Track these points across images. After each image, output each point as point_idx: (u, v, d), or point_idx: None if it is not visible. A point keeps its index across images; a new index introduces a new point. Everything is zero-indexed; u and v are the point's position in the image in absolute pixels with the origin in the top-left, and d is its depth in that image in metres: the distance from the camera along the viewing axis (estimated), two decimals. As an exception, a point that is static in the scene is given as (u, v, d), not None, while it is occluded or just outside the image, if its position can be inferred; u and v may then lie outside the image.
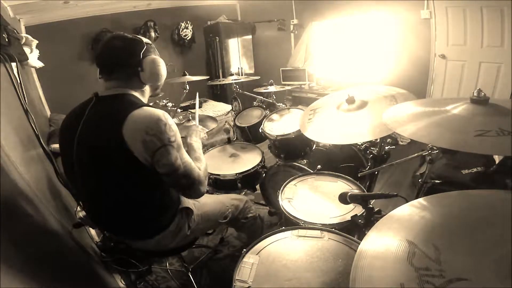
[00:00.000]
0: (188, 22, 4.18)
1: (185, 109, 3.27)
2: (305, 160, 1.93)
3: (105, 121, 0.93)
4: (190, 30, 4.23)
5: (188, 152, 1.12)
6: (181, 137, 1.00)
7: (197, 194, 1.02)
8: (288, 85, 3.73)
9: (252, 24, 4.73)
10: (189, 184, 0.98)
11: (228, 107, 4.00)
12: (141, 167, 0.92)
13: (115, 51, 1.00)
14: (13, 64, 1.15)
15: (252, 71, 4.83)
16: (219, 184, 1.70)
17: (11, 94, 1.05)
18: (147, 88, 1.09)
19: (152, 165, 0.92)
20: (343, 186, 1.36)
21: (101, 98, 0.99)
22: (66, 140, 1.00)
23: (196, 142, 1.26)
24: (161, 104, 2.98)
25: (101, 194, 1.02)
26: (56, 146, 1.93)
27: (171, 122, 0.95)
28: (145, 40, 1.04)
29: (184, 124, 1.93)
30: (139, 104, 0.95)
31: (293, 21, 4.17)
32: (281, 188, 1.37)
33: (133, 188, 0.98)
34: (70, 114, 1.04)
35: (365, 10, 3.40)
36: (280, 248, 0.95)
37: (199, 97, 1.86)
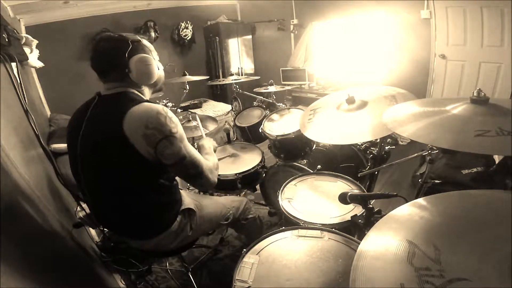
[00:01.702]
0: (188, 22, 4.19)
1: (185, 109, 3.27)
2: (305, 160, 1.93)
3: (106, 118, 0.93)
4: (190, 30, 4.23)
5: (198, 151, 1.13)
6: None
7: (208, 183, 1.04)
8: (288, 85, 3.73)
9: (252, 24, 4.73)
10: (198, 173, 1.00)
11: (228, 107, 4.00)
12: (144, 164, 0.93)
13: (103, 54, 0.99)
14: (13, 64, 1.14)
15: (252, 71, 4.83)
16: (219, 184, 1.68)
17: (11, 94, 1.05)
18: (144, 87, 1.08)
19: (156, 159, 0.92)
20: (343, 186, 1.36)
21: (103, 97, 1.00)
22: (71, 140, 1.01)
23: (207, 143, 1.30)
24: (161, 104, 2.98)
25: (105, 193, 1.02)
26: (56, 146, 1.94)
27: (171, 115, 0.95)
28: (132, 38, 1.00)
29: (184, 125, 1.93)
30: (139, 100, 0.95)
31: (293, 21, 4.17)
32: (281, 188, 1.37)
33: (135, 187, 0.99)
34: (74, 114, 1.05)
35: (365, 10, 3.40)
36: (280, 248, 0.95)
37: (198, 98, 1.86)
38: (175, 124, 0.95)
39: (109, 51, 0.99)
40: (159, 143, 0.90)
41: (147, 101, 0.98)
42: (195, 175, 1.01)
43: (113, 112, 0.92)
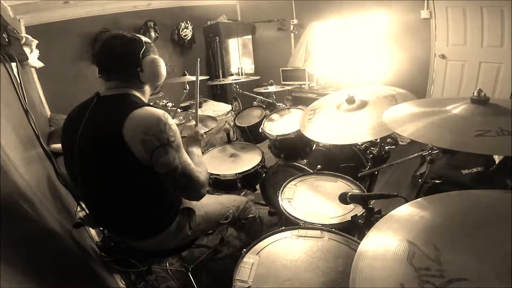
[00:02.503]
0: (188, 22, 4.18)
1: (185, 109, 3.27)
2: (305, 160, 1.93)
3: (105, 121, 0.93)
4: (190, 30, 4.22)
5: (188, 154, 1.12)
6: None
7: (197, 196, 1.02)
8: (288, 85, 3.73)
9: (252, 24, 4.73)
10: (188, 184, 0.98)
11: (228, 107, 4.00)
12: (141, 167, 0.92)
13: (114, 51, 0.98)
14: (13, 64, 1.14)
15: (252, 71, 4.83)
16: (219, 184, 1.70)
17: (11, 94, 1.05)
18: (147, 88, 1.08)
19: (151, 165, 0.92)
20: (343, 186, 1.36)
21: (103, 98, 0.99)
22: (67, 140, 1.00)
23: (196, 150, 1.26)
24: (161, 104, 2.98)
25: (102, 194, 1.02)
26: (56, 146, 1.94)
27: (171, 122, 0.95)
28: (144, 39, 1.02)
29: (184, 124, 1.93)
30: (140, 104, 0.94)
31: (293, 21, 4.17)
32: (281, 188, 1.37)
33: (133, 188, 0.98)
34: (71, 114, 1.04)
35: (365, 10, 3.40)
36: (280, 248, 0.95)
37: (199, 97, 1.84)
38: (174, 132, 0.94)
39: (122, 49, 0.98)
40: (155, 150, 0.89)
41: (148, 105, 0.97)
42: (185, 187, 0.98)
43: (113, 114, 0.91)
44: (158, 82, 1.07)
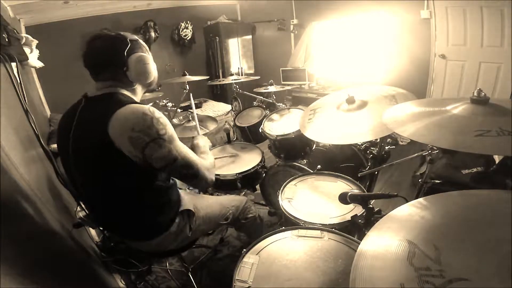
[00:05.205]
0: (188, 22, 4.19)
1: (185, 109, 3.27)
2: (305, 160, 1.93)
3: (92, 122, 0.91)
4: (190, 30, 4.23)
5: (193, 150, 1.12)
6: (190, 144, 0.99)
7: (205, 182, 1.01)
8: (288, 85, 3.72)
9: (252, 24, 4.73)
10: (192, 173, 0.97)
11: (228, 107, 4.00)
12: (135, 168, 0.90)
13: (98, 52, 0.96)
14: (13, 64, 1.14)
15: (252, 71, 4.83)
16: (219, 184, 1.70)
17: (11, 94, 1.05)
18: (138, 87, 1.05)
19: (145, 162, 0.89)
20: (343, 186, 1.36)
21: (90, 99, 0.97)
22: (62, 143, 0.99)
23: (202, 142, 1.26)
24: (161, 104, 2.98)
25: (99, 196, 1.01)
26: (56, 146, 1.94)
27: (159, 115, 0.91)
28: (130, 37, 0.99)
29: (184, 125, 1.93)
30: (125, 102, 0.91)
31: (293, 21, 4.17)
32: (281, 188, 1.37)
33: (129, 190, 0.97)
34: (63, 117, 1.02)
35: (365, 10, 3.40)
36: (280, 248, 0.95)
37: (198, 98, 1.84)
38: (164, 125, 0.91)
39: (106, 49, 0.96)
40: (146, 146, 0.86)
41: (133, 102, 0.94)
42: (191, 175, 0.97)
43: (98, 116, 0.88)
44: (148, 80, 1.03)
